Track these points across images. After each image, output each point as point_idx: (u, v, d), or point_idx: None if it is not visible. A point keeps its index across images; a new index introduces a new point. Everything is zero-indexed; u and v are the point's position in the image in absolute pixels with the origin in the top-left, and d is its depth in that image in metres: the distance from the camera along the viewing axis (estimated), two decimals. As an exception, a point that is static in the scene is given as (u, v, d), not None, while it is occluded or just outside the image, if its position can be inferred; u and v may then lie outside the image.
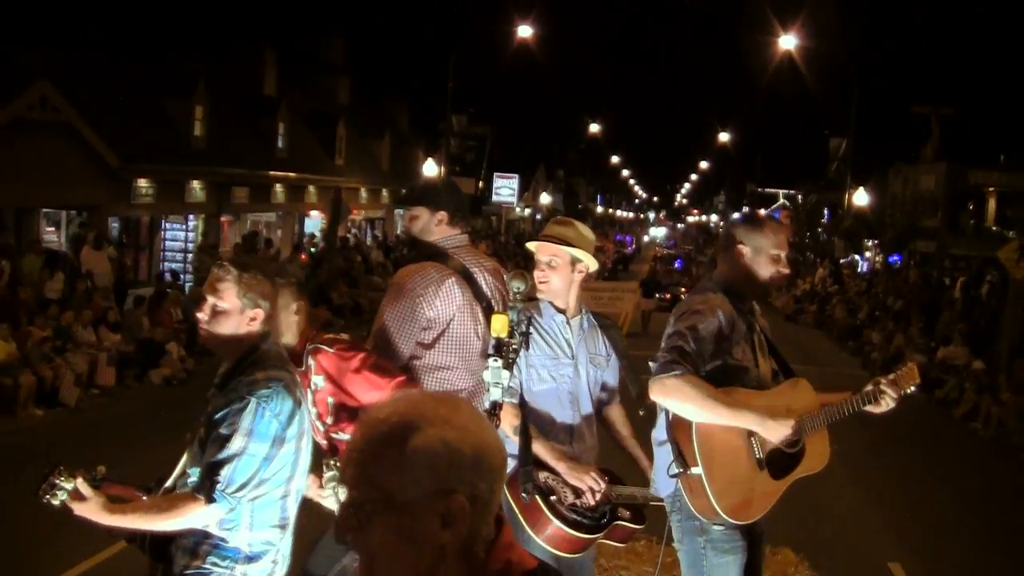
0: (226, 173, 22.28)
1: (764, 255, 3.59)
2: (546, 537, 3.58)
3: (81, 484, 2.78)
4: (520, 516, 3.59)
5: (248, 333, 2.94)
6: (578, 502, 3.65)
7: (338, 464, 3.21)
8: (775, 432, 3.36)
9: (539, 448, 3.70)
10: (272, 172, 24.87)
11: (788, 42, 29.83)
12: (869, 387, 3.54)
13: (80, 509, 2.81)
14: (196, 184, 21.60)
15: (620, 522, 3.73)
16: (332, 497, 3.24)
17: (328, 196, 29.36)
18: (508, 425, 3.64)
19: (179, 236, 22.51)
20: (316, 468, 3.25)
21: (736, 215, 3.41)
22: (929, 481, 10.35)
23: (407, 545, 1.50)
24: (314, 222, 29.75)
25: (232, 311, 2.92)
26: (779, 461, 3.46)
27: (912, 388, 3.61)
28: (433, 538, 1.50)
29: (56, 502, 2.78)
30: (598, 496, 3.68)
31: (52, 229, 18.82)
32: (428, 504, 1.49)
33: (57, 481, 2.77)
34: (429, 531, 1.49)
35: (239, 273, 2.93)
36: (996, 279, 20.60)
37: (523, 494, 3.50)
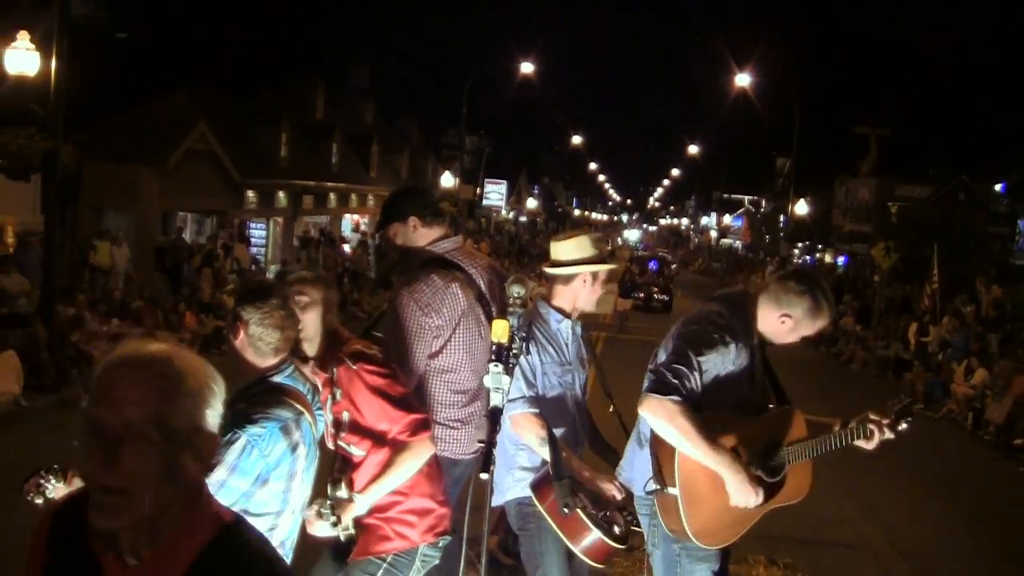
0: (301, 185, 28.34)
1: (796, 332, 3.53)
2: (584, 547, 3.56)
3: (54, 482, 2.78)
4: (557, 527, 3.59)
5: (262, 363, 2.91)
6: (607, 512, 3.63)
7: (344, 485, 3.22)
8: (743, 496, 3.25)
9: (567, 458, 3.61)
10: (330, 183, 30.95)
11: (743, 79, 35.41)
12: (853, 424, 3.41)
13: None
14: (281, 194, 27.73)
15: (635, 528, 3.68)
16: (327, 523, 3.11)
17: (364, 202, 35.49)
18: (534, 437, 3.63)
19: (256, 234, 28.47)
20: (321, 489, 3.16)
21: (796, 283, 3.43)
22: (819, 400, 14.49)
23: (162, 475, 1.47)
24: (346, 223, 35.55)
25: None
26: None
27: (904, 426, 3.40)
28: (185, 472, 1.50)
29: (39, 501, 2.74)
30: (619, 501, 3.68)
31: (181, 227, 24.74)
32: (189, 436, 1.49)
33: (42, 481, 2.77)
34: (184, 464, 1.49)
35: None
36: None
37: (564, 508, 3.45)
